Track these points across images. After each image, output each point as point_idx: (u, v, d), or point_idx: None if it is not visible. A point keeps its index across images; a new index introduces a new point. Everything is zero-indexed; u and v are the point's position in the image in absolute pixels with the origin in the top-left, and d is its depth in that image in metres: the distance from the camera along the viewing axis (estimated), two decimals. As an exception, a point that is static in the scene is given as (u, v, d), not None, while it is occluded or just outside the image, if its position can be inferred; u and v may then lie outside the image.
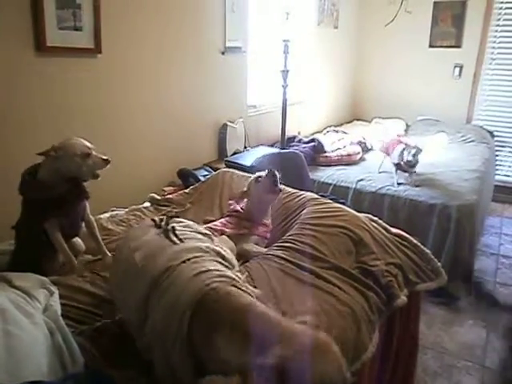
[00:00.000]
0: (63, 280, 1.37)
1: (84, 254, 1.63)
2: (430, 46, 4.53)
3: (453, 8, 4.37)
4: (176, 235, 1.16)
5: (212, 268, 0.99)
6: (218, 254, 1.14)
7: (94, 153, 1.45)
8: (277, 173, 1.74)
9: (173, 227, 1.19)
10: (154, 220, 1.26)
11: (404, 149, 2.91)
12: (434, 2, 4.41)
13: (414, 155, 2.87)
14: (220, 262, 1.04)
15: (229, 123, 3.14)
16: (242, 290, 0.96)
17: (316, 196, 1.88)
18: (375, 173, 3.25)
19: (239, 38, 3.12)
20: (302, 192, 1.93)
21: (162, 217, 1.29)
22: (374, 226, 1.70)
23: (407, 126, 4.53)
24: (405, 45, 4.63)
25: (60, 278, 1.37)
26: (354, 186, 3.11)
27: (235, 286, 0.95)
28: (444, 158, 3.67)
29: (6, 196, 1.55)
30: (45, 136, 1.92)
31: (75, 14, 1.97)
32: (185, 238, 1.16)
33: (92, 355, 1.09)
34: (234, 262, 1.29)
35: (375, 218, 1.82)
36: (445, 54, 4.48)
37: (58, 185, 1.42)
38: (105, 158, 1.46)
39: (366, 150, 3.81)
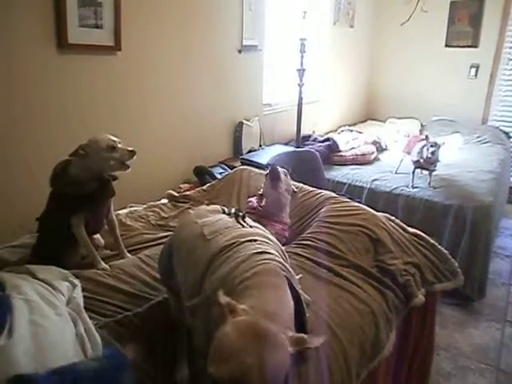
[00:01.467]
0: (85, 273, 1.39)
1: (103, 248, 1.65)
2: (446, 45, 4.50)
3: (470, 7, 4.32)
4: (245, 221, 1.18)
5: (273, 252, 1.00)
6: (282, 250, 1.12)
7: (119, 145, 1.47)
8: (279, 168, 1.74)
9: (243, 214, 1.20)
10: (222, 208, 1.27)
11: (424, 146, 2.87)
12: (451, 2, 4.37)
13: (433, 152, 2.83)
14: (281, 256, 1.04)
15: (244, 121, 3.15)
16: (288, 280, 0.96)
17: (334, 195, 1.89)
18: (390, 173, 3.23)
19: (256, 36, 3.13)
20: (319, 190, 1.93)
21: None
22: (391, 226, 1.70)
23: (422, 126, 4.50)
24: (421, 44, 4.60)
25: (82, 272, 1.39)
26: (368, 185, 3.10)
27: (286, 276, 0.95)
28: (459, 158, 3.64)
29: (31, 188, 1.58)
30: (68, 130, 1.98)
31: (96, 12, 1.99)
32: (252, 226, 1.17)
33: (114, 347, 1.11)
34: None
35: (392, 218, 1.82)
36: (461, 53, 4.44)
37: (88, 182, 1.45)
38: (130, 149, 1.48)
39: (380, 149, 3.79)
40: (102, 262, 1.48)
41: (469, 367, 2.31)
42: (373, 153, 3.59)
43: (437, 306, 2.69)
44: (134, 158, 1.50)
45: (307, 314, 0.94)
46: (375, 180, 3.13)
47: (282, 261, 0.99)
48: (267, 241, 1.06)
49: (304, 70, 3.21)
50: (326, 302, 1.33)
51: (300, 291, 0.97)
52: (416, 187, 2.98)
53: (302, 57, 3.16)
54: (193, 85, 2.71)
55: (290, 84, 3.52)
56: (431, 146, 2.84)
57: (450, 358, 2.38)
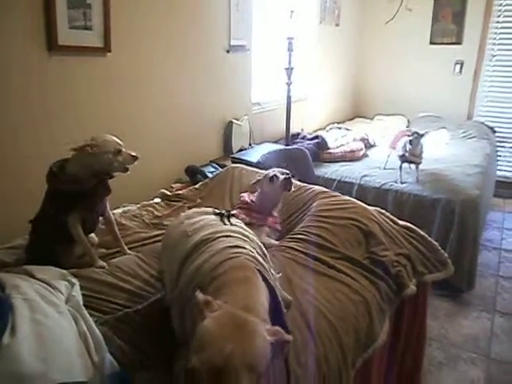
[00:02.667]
0: (82, 272, 1.40)
1: (97, 247, 1.66)
2: (431, 42, 4.57)
3: (453, 5, 4.41)
4: (229, 220, 1.20)
5: (247, 247, 1.02)
6: (261, 248, 1.14)
7: (123, 149, 1.51)
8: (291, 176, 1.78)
9: (230, 214, 1.23)
10: (213, 209, 1.29)
11: (407, 140, 2.93)
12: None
13: (412, 142, 2.87)
14: (258, 253, 1.06)
15: (234, 120, 3.17)
16: (262, 274, 0.98)
17: (325, 189, 1.92)
18: (379, 169, 3.28)
19: (244, 36, 3.16)
20: (311, 186, 1.97)
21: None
22: (382, 218, 1.74)
23: (409, 122, 4.57)
24: (406, 42, 4.67)
25: (79, 271, 1.40)
26: (358, 181, 3.14)
27: (259, 270, 0.97)
28: (447, 153, 3.70)
29: (17, 192, 1.58)
30: (57, 131, 1.97)
31: (85, 14, 2.00)
32: (234, 224, 1.19)
33: (115, 343, 1.13)
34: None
35: (383, 211, 1.86)
36: (445, 50, 4.52)
37: (86, 179, 1.46)
38: (133, 154, 1.52)
39: (368, 146, 3.84)
40: (100, 260, 1.50)
41: (460, 357, 2.36)
42: (361, 149, 3.64)
43: (428, 297, 2.77)
44: (136, 163, 1.54)
45: (284, 310, 0.96)
46: (365, 176, 3.17)
47: (257, 255, 1.01)
48: (243, 237, 1.09)
49: (292, 68, 3.24)
50: (320, 293, 1.37)
51: (276, 286, 0.99)
52: (404, 182, 3.02)
53: (290, 55, 3.19)
54: (182, 85, 2.73)
55: (278, 83, 3.55)
56: (412, 136, 2.89)
57: (441, 348, 2.43)
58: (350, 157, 3.53)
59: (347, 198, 1.82)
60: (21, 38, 1.81)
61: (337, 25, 4.42)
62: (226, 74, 3.08)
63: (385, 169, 3.28)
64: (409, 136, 2.92)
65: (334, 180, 3.23)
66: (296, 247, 1.56)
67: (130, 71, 2.33)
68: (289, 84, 3.30)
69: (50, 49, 1.91)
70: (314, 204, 1.78)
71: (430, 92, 4.65)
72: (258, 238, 1.18)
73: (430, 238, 1.79)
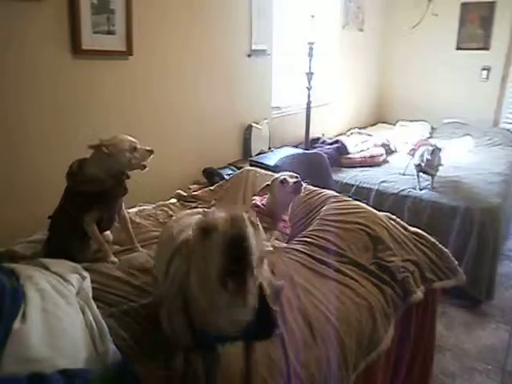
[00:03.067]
0: (94, 266, 1.46)
1: (112, 244, 1.72)
2: (457, 48, 4.51)
3: (481, 9, 4.33)
4: None
5: None
6: None
7: (138, 146, 1.56)
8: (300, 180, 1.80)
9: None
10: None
11: (425, 150, 2.91)
12: (462, 4, 4.39)
13: (431, 153, 2.86)
14: None
15: (253, 124, 3.21)
16: None
17: (336, 194, 1.93)
18: (398, 175, 3.26)
19: (265, 41, 3.20)
20: (322, 190, 1.98)
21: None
22: (392, 224, 1.73)
23: (432, 128, 4.51)
24: (431, 47, 4.62)
25: (92, 265, 1.47)
26: (376, 187, 3.13)
27: None
28: (469, 161, 3.64)
29: (43, 188, 1.66)
30: (80, 129, 2.05)
31: (109, 19, 2.08)
32: None
33: (120, 334, 1.18)
34: None
35: (393, 217, 1.86)
36: (472, 56, 4.44)
37: (106, 180, 1.52)
38: (148, 148, 1.57)
39: (389, 152, 3.82)
40: (112, 256, 1.56)
41: (475, 368, 2.31)
42: (382, 155, 3.62)
43: (443, 307, 2.73)
44: (152, 156, 1.58)
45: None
46: (383, 182, 3.16)
47: None
48: None
49: (312, 73, 3.26)
50: (324, 296, 1.38)
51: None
52: (423, 189, 3.00)
53: (310, 60, 3.21)
54: (202, 88, 2.78)
55: (299, 87, 3.57)
56: (432, 148, 2.88)
57: (456, 358, 2.38)
58: (370, 162, 3.52)
59: (357, 202, 1.82)
60: (47, 43, 1.90)
61: (360, 30, 4.41)
62: (246, 78, 3.13)
63: (404, 175, 3.25)
64: (426, 146, 2.92)
65: (353, 185, 3.22)
66: (302, 250, 1.58)
67: (151, 74, 2.40)
68: (309, 89, 3.31)
69: (74, 53, 2.00)
70: (324, 208, 1.79)
71: (455, 98, 4.58)
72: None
73: (440, 245, 1.77)
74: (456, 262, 1.77)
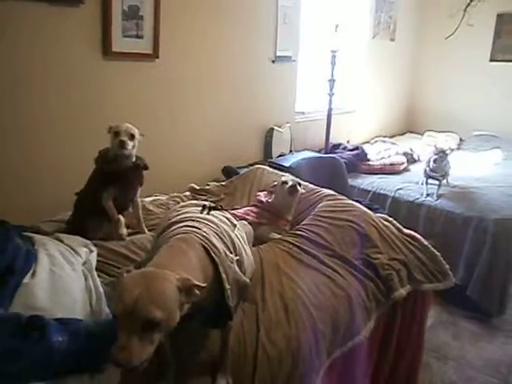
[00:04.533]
0: (103, 243, 1.64)
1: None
2: (491, 59, 4.44)
3: (518, 20, 4.26)
4: (209, 211, 1.34)
5: (203, 229, 1.16)
6: (225, 234, 1.25)
7: (137, 135, 1.77)
8: (298, 187, 1.92)
9: (212, 207, 1.37)
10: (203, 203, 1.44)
11: (431, 156, 2.94)
12: (498, 15, 4.33)
13: (435, 160, 2.88)
14: (216, 236, 1.18)
15: (275, 127, 3.33)
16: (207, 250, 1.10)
17: (333, 192, 2.03)
18: (416, 183, 3.27)
19: (290, 48, 3.32)
20: (321, 189, 2.08)
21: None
22: (383, 224, 1.81)
23: (461, 140, 4.46)
24: (464, 58, 4.57)
25: (99, 242, 1.66)
26: (392, 194, 3.17)
27: (204, 247, 1.09)
28: (494, 173, 3.60)
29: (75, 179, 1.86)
30: (107, 126, 2.25)
31: (138, 24, 2.28)
32: (213, 214, 1.33)
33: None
34: (245, 242, 1.42)
35: (390, 219, 1.93)
36: (506, 68, 4.37)
37: (122, 162, 1.75)
38: (122, 139, 1.73)
39: (412, 161, 3.83)
40: (124, 229, 1.76)
41: (475, 379, 2.31)
42: (402, 163, 3.64)
43: (453, 317, 2.72)
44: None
45: (227, 287, 1.07)
46: (399, 189, 3.19)
47: (211, 237, 1.14)
48: (209, 223, 1.22)
49: (334, 80, 3.35)
50: (305, 283, 1.49)
51: (224, 266, 1.10)
52: (428, 195, 3.03)
53: (333, 68, 3.30)
54: (226, 91, 2.94)
55: (324, 94, 3.66)
56: (435, 154, 2.89)
57: (458, 368, 2.38)
58: (390, 170, 3.55)
59: (351, 201, 1.91)
60: (82, 44, 2.12)
61: (392, 39, 4.45)
62: (270, 83, 3.26)
63: (422, 183, 3.26)
64: (435, 153, 2.93)
65: (369, 191, 3.27)
66: (292, 241, 1.69)
67: (176, 76, 2.59)
68: (331, 95, 3.41)
69: (105, 54, 2.20)
70: (320, 205, 1.89)
71: (486, 110, 4.51)
72: (236, 229, 1.32)
73: (432, 248, 1.82)
74: (447, 266, 1.82)
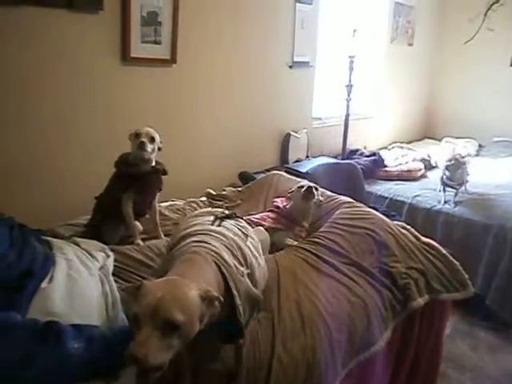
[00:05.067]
0: (119, 248, 1.65)
1: (141, 233, 1.91)
2: (512, 65, 4.37)
3: (540, 25, 4.18)
4: (220, 223, 1.31)
5: (214, 244, 1.14)
6: (235, 247, 1.23)
7: (158, 139, 1.78)
8: (314, 190, 1.91)
9: (225, 216, 1.36)
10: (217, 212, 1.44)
11: (447, 163, 2.90)
12: (519, 19, 4.25)
13: (447, 167, 2.83)
14: (227, 250, 1.17)
15: (292, 133, 3.32)
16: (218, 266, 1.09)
17: (350, 200, 2.00)
18: (434, 190, 3.23)
19: (307, 53, 3.31)
20: (338, 196, 2.06)
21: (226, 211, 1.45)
22: (401, 232, 1.78)
23: (480, 146, 4.39)
24: (484, 63, 4.50)
25: (116, 247, 1.66)
26: (409, 200, 3.13)
27: (215, 262, 1.08)
28: (513, 180, 3.53)
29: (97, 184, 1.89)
30: (127, 127, 2.26)
31: (156, 30, 2.30)
32: (224, 226, 1.31)
33: (130, 307, 1.34)
34: (258, 252, 1.38)
35: (408, 227, 1.90)
36: (527, 73, 4.29)
37: (140, 165, 1.76)
38: (160, 146, 1.78)
39: (429, 167, 3.77)
40: (138, 238, 1.77)
41: (493, 390, 2.27)
42: (420, 170, 3.60)
43: (471, 327, 2.67)
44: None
45: (239, 303, 1.05)
46: (417, 196, 3.15)
47: (222, 251, 1.13)
48: (220, 236, 1.21)
49: (352, 85, 3.33)
50: (321, 291, 1.47)
51: (234, 280, 1.08)
52: (446, 202, 2.99)
53: (351, 73, 3.28)
54: (244, 96, 2.94)
55: (341, 99, 3.64)
56: (448, 161, 2.84)
57: (475, 379, 2.34)
58: (407, 176, 3.51)
59: (368, 209, 1.88)
60: (101, 50, 2.15)
61: (410, 44, 4.41)
62: (287, 88, 3.25)
63: (440, 191, 3.21)
64: (449, 160, 2.89)
65: (386, 198, 3.24)
66: (309, 249, 1.67)
67: (193, 81, 2.60)
68: (348, 101, 3.39)
69: (123, 59, 2.23)
70: (337, 212, 1.88)
71: (506, 116, 4.42)
72: (249, 239, 1.31)
73: (451, 258, 1.79)
74: (466, 276, 1.78)
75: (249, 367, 1.20)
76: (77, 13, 2.01)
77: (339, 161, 3.33)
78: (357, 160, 3.53)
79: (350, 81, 3.32)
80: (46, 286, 1.23)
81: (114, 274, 1.46)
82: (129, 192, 1.76)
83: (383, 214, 1.93)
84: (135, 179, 1.76)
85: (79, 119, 2.15)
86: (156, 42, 2.32)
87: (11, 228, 1.35)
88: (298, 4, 3.11)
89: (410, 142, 4.53)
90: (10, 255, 1.23)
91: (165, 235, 1.87)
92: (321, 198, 1.94)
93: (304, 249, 1.69)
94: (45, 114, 2.02)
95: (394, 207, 3.08)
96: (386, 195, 3.25)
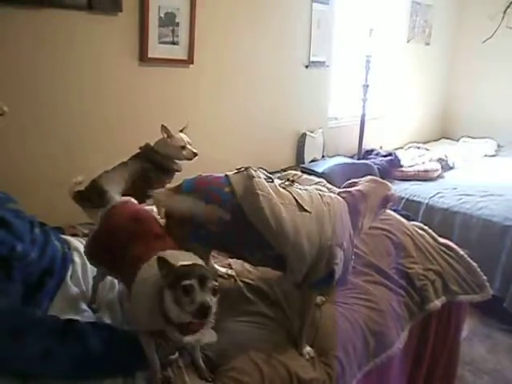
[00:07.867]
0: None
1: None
2: (532, 63, 4.29)
3: (561, 24, 4.09)
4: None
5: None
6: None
7: (188, 146, 1.89)
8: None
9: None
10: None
11: None
12: (540, 17, 4.17)
13: None
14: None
15: (308, 133, 3.32)
16: None
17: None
18: (451, 190, 3.19)
19: (323, 53, 3.30)
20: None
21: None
22: (418, 233, 1.77)
23: (499, 146, 4.32)
24: (503, 62, 4.43)
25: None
26: (426, 201, 3.10)
27: None
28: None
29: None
30: (144, 128, 2.29)
31: (173, 31, 2.32)
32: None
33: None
34: None
35: (425, 227, 1.88)
36: (548, 72, 4.21)
37: (162, 160, 1.87)
38: (194, 151, 1.91)
39: (446, 168, 3.73)
40: None
41: (512, 394, 2.24)
42: (436, 170, 3.55)
43: (489, 330, 2.64)
44: (196, 157, 1.92)
45: None
46: (433, 196, 3.12)
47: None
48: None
49: (368, 85, 3.31)
50: (337, 293, 1.47)
51: None
52: None
53: (367, 73, 3.26)
54: (260, 95, 2.95)
55: (357, 99, 3.62)
56: None
57: (492, 382, 2.32)
58: (423, 176, 3.47)
59: (386, 211, 1.87)
60: (119, 50, 2.17)
61: (427, 44, 4.36)
62: (303, 88, 3.25)
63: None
64: None
65: (402, 198, 3.21)
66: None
67: (210, 81, 2.62)
68: (364, 100, 3.37)
69: (141, 60, 2.25)
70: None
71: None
72: None
73: (469, 259, 1.77)
74: (484, 278, 1.76)
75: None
76: (96, 14, 2.04)
77: (355, 161, 3.31)
78: (373, 160, 3.50)
79: (366, 80, 3.30)
80: (66, 282, 1.28)
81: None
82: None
83: (400, 215, 1.92)
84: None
85: (105, 118, 2.19)
86: (173, 43, 2.34)
87: (32, 225, 1.38)
88: (314, 4, 3.11)
89: (426, 142, 4.48)
90: (31, 253, 1.26)
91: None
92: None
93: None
94: (61, 113, 2.04)
95: (410, 208, 3.05)
96: (403, 195, 3.22)
